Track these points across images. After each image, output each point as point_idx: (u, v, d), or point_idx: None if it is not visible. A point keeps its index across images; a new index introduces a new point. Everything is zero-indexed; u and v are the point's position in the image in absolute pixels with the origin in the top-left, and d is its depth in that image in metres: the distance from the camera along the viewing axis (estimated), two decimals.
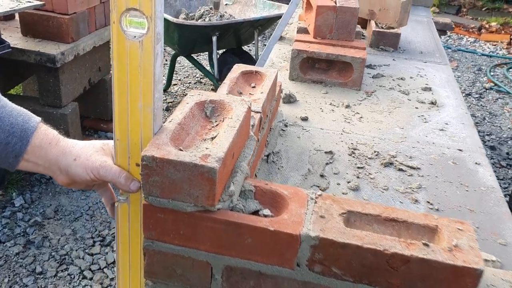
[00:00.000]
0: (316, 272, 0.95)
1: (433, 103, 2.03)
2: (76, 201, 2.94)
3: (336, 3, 2.18)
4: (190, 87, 4.44)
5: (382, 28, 2.65)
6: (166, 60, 5.02)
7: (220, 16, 3.76)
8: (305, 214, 0.99)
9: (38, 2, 2.64)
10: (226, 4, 4.19)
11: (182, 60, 5.02)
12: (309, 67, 2.15)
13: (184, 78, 4.67)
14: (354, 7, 2.15)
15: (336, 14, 2.16)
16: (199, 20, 3.61)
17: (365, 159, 1.60)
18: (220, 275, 1.01)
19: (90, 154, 1.02)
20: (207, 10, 3.84)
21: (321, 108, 1.91)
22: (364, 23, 2.79)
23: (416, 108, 1.99)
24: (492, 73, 5.36)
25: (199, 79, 4.62)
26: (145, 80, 0.94)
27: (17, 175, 2.94)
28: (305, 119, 1.82)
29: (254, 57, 3.72)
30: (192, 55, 3.82)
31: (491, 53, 5.99)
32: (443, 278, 0.90)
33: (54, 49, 2.70)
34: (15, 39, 2.77)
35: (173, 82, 4.41)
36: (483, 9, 7.51)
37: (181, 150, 0.96)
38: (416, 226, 0.99)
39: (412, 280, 0.91)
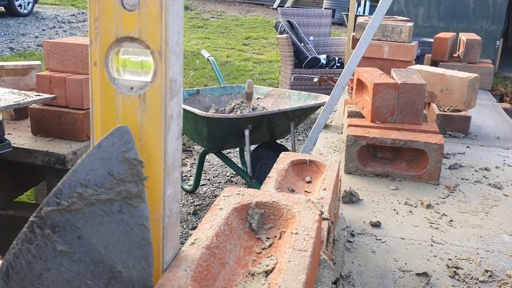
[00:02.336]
0: None
1: None
2: None
3: (397, 80, 1.80)
4: (220, 187, 4.04)
5: (446, 111, 2.24)
6: (194, 159, 4.68)
7: (253, 108, 3.44)
8: None
9: (49, 95, 2.36)
10: (258, 98, 3.89)
11: (210, 158, 4.67)
12: (370, 157, 1.72)
13: (214, 177, 4.30)
14: (420, 83, 1.76)
15: (398, 92, 1.77)
16: (231, 114, 3.31)
17: (476, 283, 1.10)
18: None
19: None
20: (238, 104, 3.54)
21: (394, 209, 1.45)
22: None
23: None
24: None
25: (229, 178, 4.23)
26: (150, 165, 0.51)
27: None
28: (376, 225, 1.35)
29: (291, 150, 3.35)
30: (222, 151, 3.47)
31: None
32: None
33: (65, 149, 2.36)
34: (23, 138, 2.45)
35: (202, 182, 4.03)
36: None
37: None
38: None
39: None
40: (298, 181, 1.13)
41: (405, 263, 1.17)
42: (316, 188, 1.06)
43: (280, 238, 0.67)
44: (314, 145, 2.13)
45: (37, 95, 2.33)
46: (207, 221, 0.66)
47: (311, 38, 5.69)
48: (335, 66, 5.28)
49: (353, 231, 1.32)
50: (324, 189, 1.00)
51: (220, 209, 0.69)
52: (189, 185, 3.98)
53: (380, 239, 1.28)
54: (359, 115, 1.94)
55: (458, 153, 1.95)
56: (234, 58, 9.22)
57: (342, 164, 1.72)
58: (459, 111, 2.23)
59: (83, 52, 2.45)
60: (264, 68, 8.45)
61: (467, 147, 2.04)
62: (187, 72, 8.08)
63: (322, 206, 0.73)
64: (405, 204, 1.49)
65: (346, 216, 1.40)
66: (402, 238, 1.29)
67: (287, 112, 3.15)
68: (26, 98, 2.25)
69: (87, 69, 2.50)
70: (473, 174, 1.74)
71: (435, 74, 2.27)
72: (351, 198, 1.50)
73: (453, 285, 1.09)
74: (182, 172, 4.18)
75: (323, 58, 5.36)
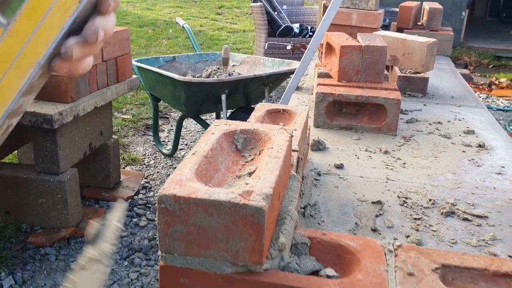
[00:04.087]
0: None
1: (481, 146, 1.77)
2: None
3: (361, 43, 1.99)
4: None
5: (407, 73, 2.45)
6: (171, 125, 4.83)
7: (229, 74, 3.60)
8: (386, 271, 0.70)
9: None
10: (233, 65, 4.05)
11: (187, 124, 4.83)
12: (336, 112, 1.92)
13: (191, 142, 4.47)
14: (382, 45, 1.96)
15: (362, 54, 1.96)
16: (208, 79, 3.46)
17: (421, 208, 1.33)
18: None
19: None
20: (214, 70, 3.69)
21: (356, 155, 1.66)
22: (386, 69, 2.59)
23: (463, 151, 1.73)
24: (511, 127, 5.18)
25: None
26: None
27: (7, 252, 2.64)
28: (340, 166, 1.56)
29: None
30: (199, 116, 3.63)
31: (506, 107, 5.84)
32: None
33: (51, 109, 2.49)
34: None
35: (179, 146, 4.20)
36: (490, 66, 7.47)
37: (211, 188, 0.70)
38: None
39: None
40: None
41: (363, 195, 1.38)
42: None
43: (259, 154, 0.86)
44: (287, 104, 2.32)
45: None
46: (203, 141, 0.84)
47: (284, 7, 5.82)
48: (307, 35, 5.45)
49: (319, 171, 1.52)
50: (295, 130, 1.20)
51: (212, 133, 0.87)
52: (168, 150, 4.14)
53: (343, 178, 1.49)
54: (327, 75, 2.13)
55: (415, 110, 2.17)
56: (208, 28, 9.27)
57: (312, 120, 1.92)
58: (419, 73, 2.45)
59: None
60: (238, 38, 8.56)
61: (424, 105, 2.26)
62: (160, 41, 8.12)
63: (292, 132, 0.92)
64: (365, 151, 1.70)
65: (314, 161, 1.60)
66: (361, 177, 1.50)
67: (261, 77, 3.32)
68: None
69: None
70: (427, 127, 1.96)
71: (398, 39, 2.48)
72: (318, 146, 1.70)
73: (402, 211, 1.31)
74: (160, 137, 4.33)
75: (296, 27, 5.52)
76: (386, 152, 1.69)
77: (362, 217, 1.27)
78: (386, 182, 1.48)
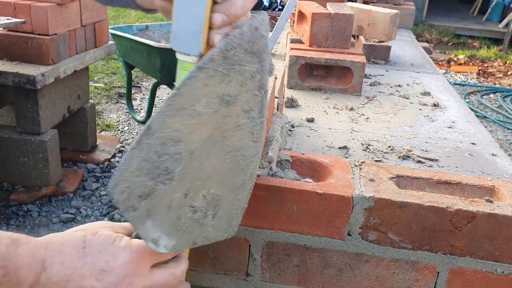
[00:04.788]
0: (370, 241, 0.85)
1: (435, 105, 1.99)
2: None
3: (331, 11, 2.16)
4: None
5: (371, 42, 2.65)
6: (144, 94, 4.94)
7: None
8: (353, 178, 0.90)
9: (18, 20, 2.54)
10: None
11: (159, 93, 4.94)
12: (307, 74, 2.09)
13: None
14: (349, 13, 2.14)
15: (332, 21, 2.14)
16: None
17: (381, 153, 1.53)
18: (259, 254, 0.89)
19: None
20: None
21: (325, 111, 1.85)
22: (352, 38, 2.78)
23: (420, 109, 1.95)
24: (467, 100, 5.49)
25: None
26: None
27: None
28: (311, 120, 1.75)
29: None
30: (173, 83, 3.75)
31: (462, 82, 6.16)
32: None
33: (33, 71, 2.58)
34: None
35: (153, 113, 4.33)
36: (449, 44, 7.80)
37: None
38: (471, 187, 0.91)
39: (477, 241, 0.82)
40: None
41: (331, 142, 1.57)
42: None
43: None
44: None
45: (7, 19, 2.51)
46: None
47: None
48: (277, 9, 5.59)
49: (293, 124, 1.70)
50: (276, 78, 1.37)
51: None
52: (141, 117, 4.26)
53: (313, 129, 1.68)
54: (299, 41, 2.30)
55: (378, 75, 2.38)
56: None
57: (285, 81, 2.09)
58: (382, 42, 2.65)
59: None
60: None
61: (386, 70, 2.47)
62: (128, 12, 8.10)
63: (276, 75, 1.09)
64: (333, 108, 1.89)
65: (288, 116, 1.78)
66: (330, 128, 1.69)
67: None
68: None
69: None
70: (388, 89, 2.17)
71: (363, 10, 2.67)
72: (292, 104, 1.88)
73: (365, 155, 1.51)
74: (133, 105, 4.43)
75: (266, 0, 5.65)
76: (351, 109, 1.89)
77: None
78: (351, 133, 1.67)
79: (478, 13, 9.89)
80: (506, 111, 5.34)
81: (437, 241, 0.83)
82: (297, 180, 0.92)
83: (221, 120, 0.66)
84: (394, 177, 0.91)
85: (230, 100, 0.65)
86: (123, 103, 4.55)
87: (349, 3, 2.79)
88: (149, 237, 0.68)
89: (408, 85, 2.25)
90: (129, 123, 4.20)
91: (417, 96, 2.10)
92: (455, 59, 7.08)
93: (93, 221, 2.94)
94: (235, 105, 0.66)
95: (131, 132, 4.02)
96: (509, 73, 6.61)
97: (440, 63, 6.82)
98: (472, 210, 0.81)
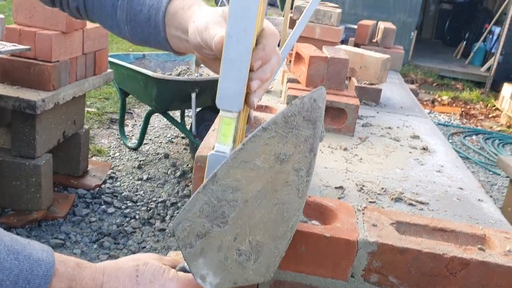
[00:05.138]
0: (372, 283, 0.92)
1: (424, 148, 2.09)
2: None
3: (327, 55, 2.27)
4: (161, 146, 4.39)
5: (363, 84, 2.76)
6: (135, 121, 4.99)
7: (200, 75, 3.82)
8: (357, 223, 0.97)
9: (24, 46, 2.60)
10: (201, 66, 4.27)
11: (151, 121, 4.99)
12: None
13: (155, 138, 4.63)
14: (345, 58, 2.25)
15: (328, 64, 2.24)
16: (180, 76, 3.66)
17: (375, 194, 1.60)
18: None
19: (205, 20, 0.87)
20: (184, 70, 3.89)
21: (320, 150, 1.93)
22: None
23: (410, 152, 2.04)
24: (450, 141, 5.65)
25: (170, 138, 4.59)
26: None
27: None
28: None
29: None
30: (167, 112, 3.82)
31: (446, 122, 6.35)
32: (504, 284, 0.89)
33: (34, 96, 2.63)
34: None
35: (144, 141, 4.36)
36: (433, 84, 8.03)
37: None
38: (464, 234, 0.99)
39: (471, 287, 0.89)
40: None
41: (327, 182, 1.65)
42: None
43: None
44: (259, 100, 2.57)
45: (13, 45, 2.57)
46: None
47: None
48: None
49: None
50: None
51: None
52: (132, 143, 4.30)
53: None
54: (296, 81, 2.40)
55: (369, 116, 2.48)
56: None
57: None
58: (373, 84, 2.76)
59: (52, 10, 2.71)
60: None
61: (377, 112, 2.58)
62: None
63: None
64: (328, 147, 1.98)
65: None
66: (325, 167, 1.77)
67: None
68: (4, 47, 2.49)
69: (55, 25, 2.75)
70: (379, 131, 2.27)
71: (356, 53, 2.79)
72: None
73: (359, 195, 1.59)
74: (125, 131, 4.48)
75: None
76: (345, 149, 1.97)
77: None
78: (346, 173, 1.75)
79: (461, 56, 10.24)
80: (488, 153, 5.51)
81: (433, 285, 0.90)
82: (305, 222, 0.98)
83: (274, 175, 0.75)
84: (394, 223, 0.98)
85: (284, 158, 0.75)
86: (115, 128, 4.59)
87: (343, 46, 2.91)
88: (199, 273, 0.76)
89: (398, 127, 2.35)
90: (120, 149, 4.23)
91: (407, 139, 2.19)
92: (439, 99, 7.30)
93: (82, 247, 2.95)
94: (288, 163, 0.75)
95: (122, 159, 4.05)
96: (490, 115, 6.84)
97: (425, 103, 7.02)
98: (466, 257, 0.88)
